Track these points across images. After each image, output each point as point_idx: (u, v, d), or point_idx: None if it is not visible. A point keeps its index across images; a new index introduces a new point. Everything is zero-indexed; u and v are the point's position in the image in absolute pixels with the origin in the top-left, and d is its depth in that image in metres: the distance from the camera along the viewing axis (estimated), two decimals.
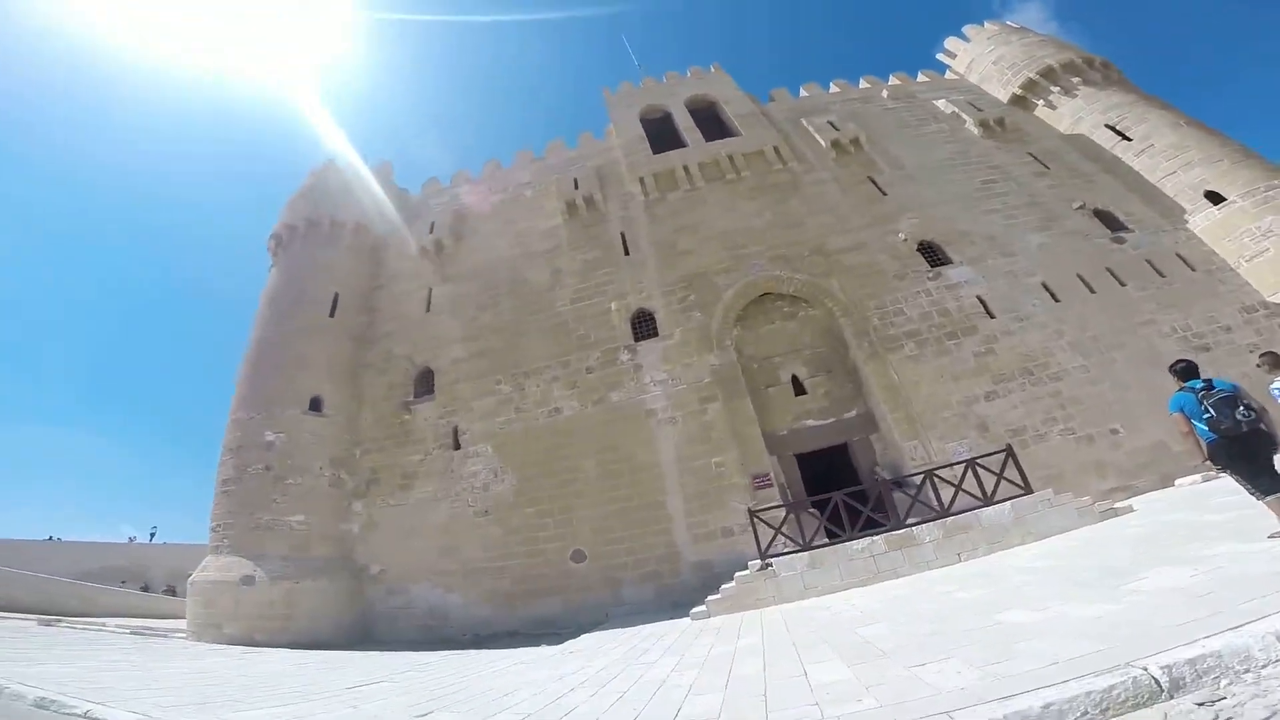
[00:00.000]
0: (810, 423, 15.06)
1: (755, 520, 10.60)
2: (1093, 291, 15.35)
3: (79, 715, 5.34)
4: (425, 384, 17.38)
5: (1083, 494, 10.73)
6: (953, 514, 9.88)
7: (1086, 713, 2.62)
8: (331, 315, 18.26)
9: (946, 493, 10.25)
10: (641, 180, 19.97)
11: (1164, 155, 18.00)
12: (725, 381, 15.05)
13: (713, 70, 24.47)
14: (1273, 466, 4.89)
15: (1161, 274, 15.65)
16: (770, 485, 13.43)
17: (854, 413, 14.97)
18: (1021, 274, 15.85)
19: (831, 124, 20.74)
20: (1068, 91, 20.86)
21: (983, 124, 20.40)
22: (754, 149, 20.18)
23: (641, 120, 22.68)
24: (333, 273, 19.20)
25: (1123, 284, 15.43)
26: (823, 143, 20.20)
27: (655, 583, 12.80)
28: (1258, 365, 6.31)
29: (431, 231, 20.58)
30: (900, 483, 11.48)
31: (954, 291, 15.69)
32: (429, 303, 19.05)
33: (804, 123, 21.28)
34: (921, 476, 10.72)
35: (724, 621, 8.50)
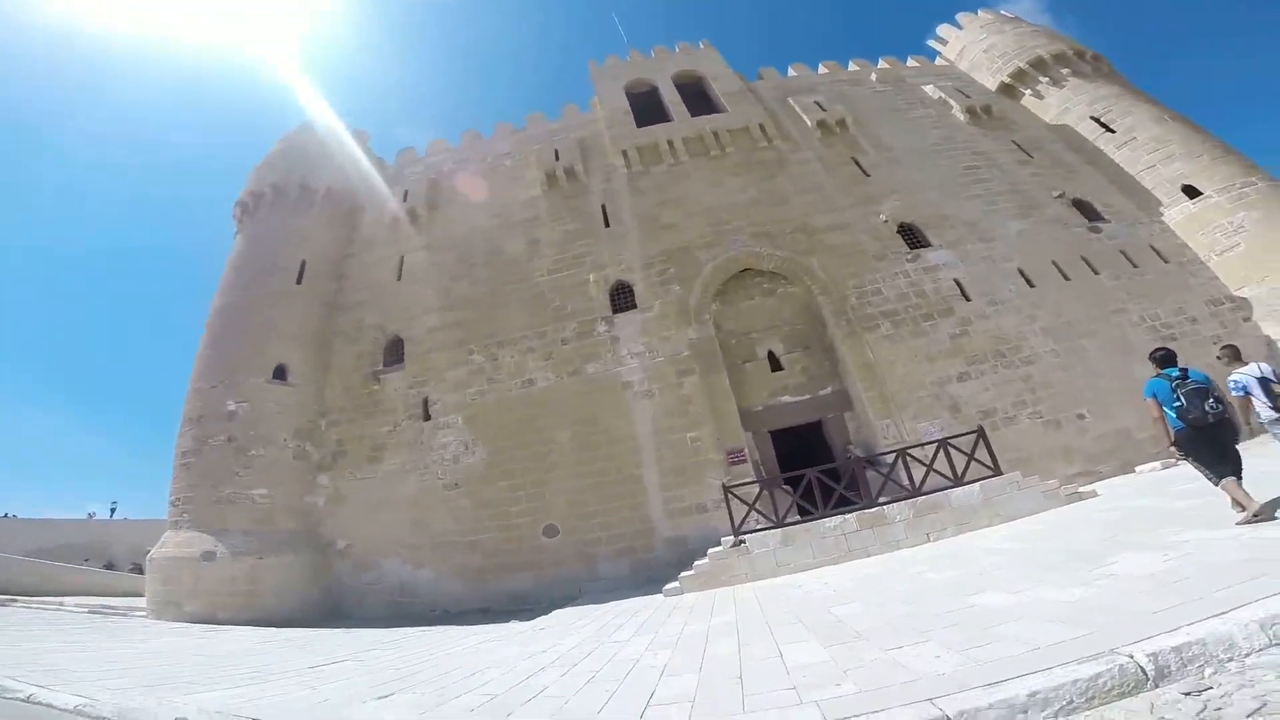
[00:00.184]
0: (786, 399, 15.06)
1: (729, 496, 10.60)
2: (1067, 279, 15.54)
3: (21, 699, 5.04)
4: (395, 353, 16.90)
5: (1049, 477, 10.90)
6: (924, 494, 9.98)
7: (1072, 701, 2.55)
8: (299, 282, 17.64)
9: (918, 472, 10.35)
10: (625, 153, 19.58)
11: (1145, 148, 18.17)
12: (703, 356, 14.93)
13: (702, 47, 23.85)
14: (1235, 455, 5.08)
15: (1135, 264, 15.91)
16: (744, 461, 13.43)
17: (829, 390, 15.00)
18: (999, 259, 15.95)
19: (819, 104, 20.45)
20: (1056, 82, 20.87)
21: (969, 111, 20.33)
22: (740, 125, 19.86)
23: (627, 94, 22.10)
24: (301, 239, 18.56)
25: (1096, 273, 15.66)
26: (809, 122, 19.96)
27: (629, 558, 12.73)
28: (1218, 357, 6.39)
29: (405, 200, 20.01)
30: (873, 461, 11.56)
31: (932, 274, 15.73)
32: (401, 271, 18.54)
33: (791, 102, 20.97)
34: (894, 455, 10.77)
35: (697, 599, 8.46)
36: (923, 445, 11.16)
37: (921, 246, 16.42)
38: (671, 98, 21.68)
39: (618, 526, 13.09)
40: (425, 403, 15.60)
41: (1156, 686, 2.56)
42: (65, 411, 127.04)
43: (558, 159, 19.87)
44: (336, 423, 15.80)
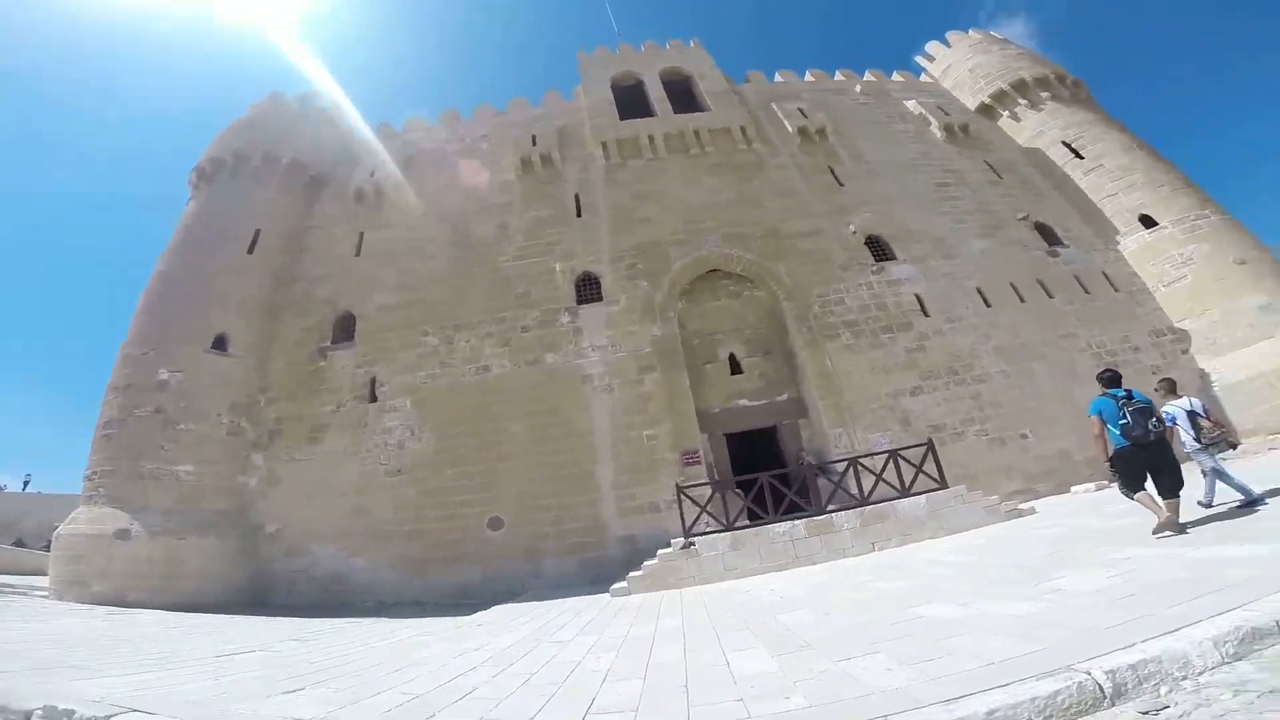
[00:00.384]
0: (743, 403, 15.04)
1: (682, 496, 10.50)
2: (1023, 301, 16.00)
3: None
4: (346, 330, 16.20)
5: (991, 493, 11.15)
6: (871, 503, 10.08)
7: (1031, 719, 2.42)
8: (250, 252, 17.02)
9: (867, 482, 10.44)
10: (604, 144, 19.37)
11: (1110, 176, 18.73)
12: (665, 353, 14.77)
13: (692, 45, 23.70)
14: (1176, 470, 5.44)
15: (1087, 291, 16.49)
16: (699, 463, 13.33)
17: (786, 396, 15.06)
18: (960, 277, 16.30)
19: (801, 111, 20.56)
20: (1034, 105, 21.27)
21: (947, 128, 20.73)
22: (722, 126, 19.82)
23: (613, 86, 21.83)
24: (258, 209, 17.99)
25: (1051, 296, 16.16)
26: (790, 128, 20.02)
27: (578, 555, 12.47)
28: (1155, 389, 6.78)
29: (374, 175, 19.45)
30: (824, 469, 11.61)
31: (894, 287, 15.96)
32: (361, 246, 17.97)
33: (774, 107, 21.01)
34: (845, 464, 10.87)
35: (644, 600, 8.30)
36: (873, 455, 11.26)
37: (887, 259, 16.64)
38: (657, 93, 21.52)
39: (568, 522, 12.79)
40: (373, 383, 14.97)
41: (1114, 705, 2.48)
42: None
43: (535, 145, 19.64)
44: (276, 399, 15.03)
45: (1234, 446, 6.21)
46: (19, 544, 24.32)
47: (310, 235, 18.53)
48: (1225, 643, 2.63)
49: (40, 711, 3.59)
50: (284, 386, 15.21)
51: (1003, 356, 14.90)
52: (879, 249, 16.94)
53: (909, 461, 10.68)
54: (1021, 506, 10.50)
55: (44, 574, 14.29)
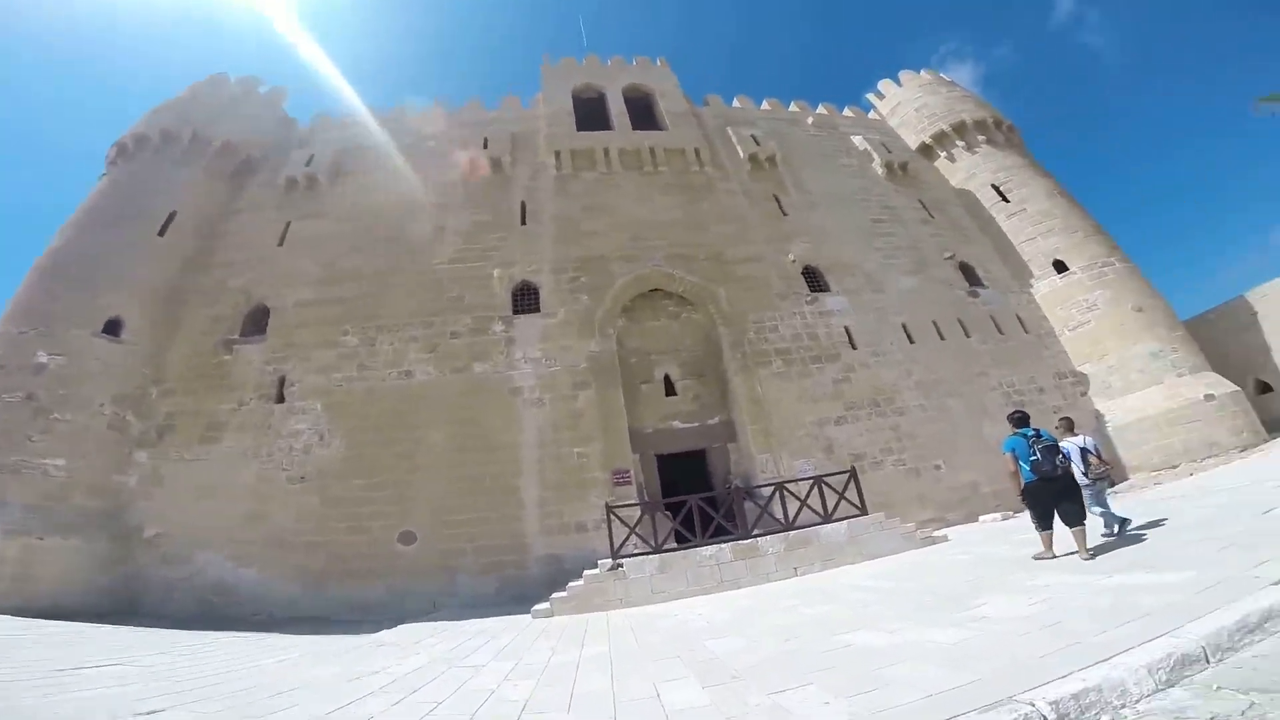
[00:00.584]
0: (676, 424, 15.04)
1: (612, 516, 10.34)
2: (943, 338, 16.73)
3: None
4: (258, 323, 15.37)
5: (907, 521, 11.53)
6: (796, 528, 10.24)
7: None
8: (161, 234, 16.09)
9: (792, 507, 10.60)
10: (558, 153, 19.24)
11: (1031, 220, 19.81)
12: (601, 370, 14.62)
13: (659, 64, 23.79)
14: (1075, 505, 6.05)
15: (1001, 331, 17.40)
16: (630, 483, 13.18)
17: (717, 420, 15.18)
18: (888, 312, 16.92)
19: (754, 138, 21.01)
20: (970, 148, 22.22)
21: (888, 165, 21.51)
22: (677, 146, 20.00)
23: (574, 97, 21.72)
24: (178, 190, 17.12)
25: (968, 335, 16.97)
26: (742, 154, 20.41)
27: (497, 573, 12.05)
28: (1055, 427, 7.34)
29: (309, 164, 18.76)
30: (750, 493, 11.65)
31: (826, 319, 16.40)
32: (285, 237, 17.20)
33: (730, 131, 21.39)
34: (772, 489, 11.01)
35: (568, 622, 8.07)
36: (799, 481, 11.40)
37: (821, 290, 17.12)
38: (618, 108, 21.56)
39: (486, 539, 12.37)
40: (281, 382, 14.23)
41: None
42: None
43: (486, 148, 19.36)
44: (171, 392, 14.05)
45: (1112, 484, 6.79)
46: None
47: (231, 221, 17.60)
48: (1159, 670, 2.66)
49: None
50: (181, 379, 14.28)
51: (922, 391, 15.50)
52: (814, 280, 17.42)
53: (833, 488, 10.92)
54: (935, 534, 10.94)
55: None
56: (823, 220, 19.14)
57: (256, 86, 21.72)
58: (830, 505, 10.73)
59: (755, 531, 10.29)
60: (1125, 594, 4.05)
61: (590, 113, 21.60)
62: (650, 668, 4.58)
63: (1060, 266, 18.57)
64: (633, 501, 12.10)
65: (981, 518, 13.28)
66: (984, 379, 16.21)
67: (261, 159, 19.36)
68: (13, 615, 9.64)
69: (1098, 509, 6.76)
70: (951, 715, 2.56)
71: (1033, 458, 6.02)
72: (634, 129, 20.68)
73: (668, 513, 11.11)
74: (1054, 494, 6.06)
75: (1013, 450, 6.29)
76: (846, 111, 25.26)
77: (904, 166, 21.81)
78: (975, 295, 18.13)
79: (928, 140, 22.83)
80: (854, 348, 15.96)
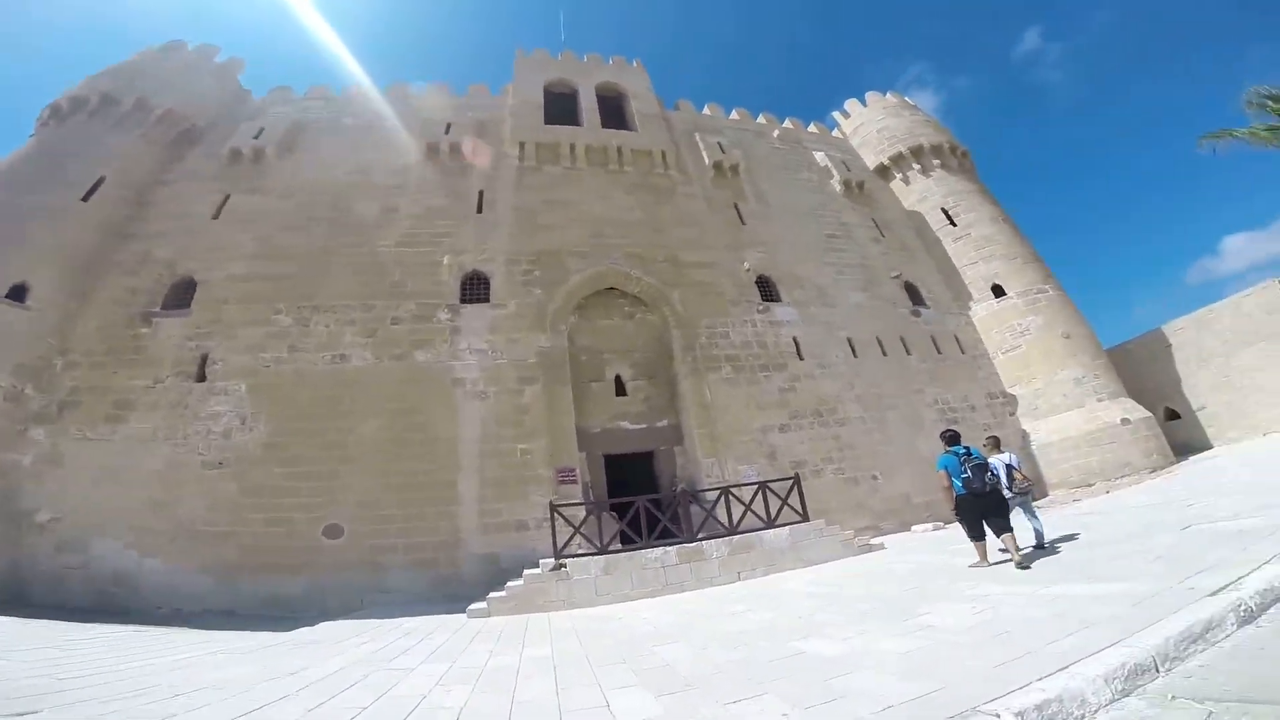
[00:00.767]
0: (625, 425, 14.87)
1: (556, 515, 10.09)
2: (885, 354, 17.29)
3: None
4: (182, 297, 14.29)
5: (845, 529, 11.77)
6: (739, 533, 10.26)
7: None
8: (85, 199, 15.01)
9: (736, 512, 10.61)
10: (522, 144, 18.88)
11: (975, 245, 20.75)
12: (551, 366, 14.28)
13: (635, 65, 23.63)
14: (1003, 518, 6.48)
15: (939, 351, 18.16)
16: (575, 482, 12.90)
17: (666, 423, 15.11)
18: (835, 326, 17.33)
19: (720, 146, 21.18)
20: (925, 171, 23.04)
21: (846, 183, 22.08)
22: (645, 147, 19.92)
23: (546, 91, 21.31)
24: (110, 155, 16.21)
25: (909, 353, 17.62)
26: (707, 160, 20.53)
27: (430, 571, 11.52)
28: (984, 445, 7.71)
29: (258, 137, 17.85)
30: (696, 497, 11.60)
31: (776, 328, 16.63)
32: (222, 209, 16.14)
33: (697, 137, 21.51)
34: (718, 493, 10.98)
35: (507, 623, 7.75)
36: (745, 485, 11.45)
37: (773, 300, 17.36)
38: (588, 105, 21.27)
39: (419, 535, 11.80)
40: (204, 360, 13.20)
41: None
42: None
43: (448, 133, 18.80)
44: (78, 365, 12.82)
45: (1034, 498, 7.56)
46: None
47: (164, 189, 16.49)
48: (1114, 680, 2.66)
49: None
50: (90, 352, 13.05)
51: (862, 404, 15.93)
52: (767, 289, 17.65)
53: (776, 494, 11.02)
54: (872, 542, 11.21)
55: None
56: (779, 232, 19.45)
57: (213, 56, 20.84)
58: (773, 511, 10.84)
59: (700, 535, 10.26)
60: (1067, 604, 4.13)
61: (560, 107, 21.25)
62: (598, 674, 4.35)
63: (998, 291, 19.55)
64: (578, 501, 11.88)
65: (914, 527, 13.74)
66: (921, 395, 16.84)
67: (207, 129, 18.38)
68: None
69: (1031, 521, 7.15)
70: None
71: (964, 475, 6.48)
72: (603, 127, 20.49)
73: (614, 513, 10.92)
74: (984, 508, 6.50)
75: (945, 467, 6.73)
76: (811, 128, 25.87)
77: (861, 185, 22.48)
78: (917, 315, 18.84)
79: (886, 161, 23.59)
80: (801, 358, 16.24)
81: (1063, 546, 6.88)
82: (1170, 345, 18.97)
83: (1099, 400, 16.74)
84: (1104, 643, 3.03)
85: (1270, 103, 11.41)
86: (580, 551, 9.89)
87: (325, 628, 8.35)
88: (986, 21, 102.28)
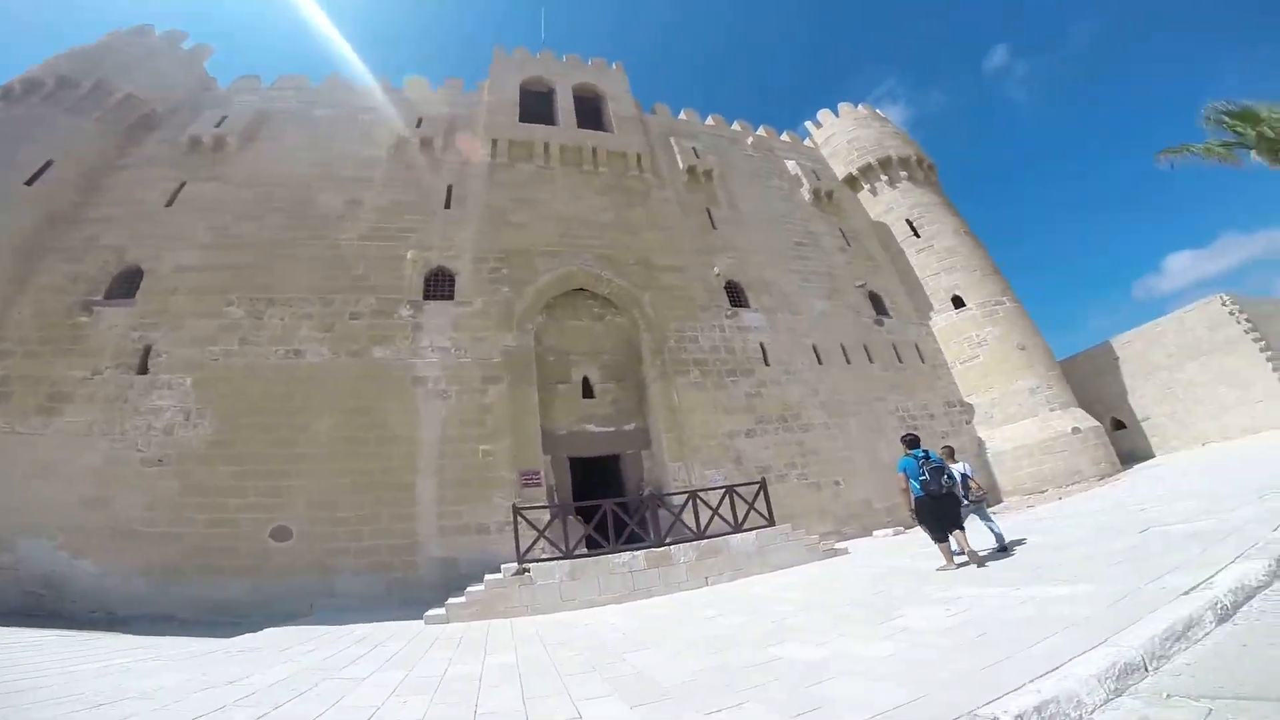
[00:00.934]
0: (591, 428, 14.67)
1: (519, 518, 9.85)
2: (848, 362, 17.58)
3: None
4: (127, 286, 13.60)
5: (810, 533, 11.84)
6: (708, 537, 10.22)
7: None
8: (29, 183, 14.38)
9: (704, 516, 10.59)
10: (495, 141, 18.56)
11: (938, 256, 21.29)
12: (516, 366, 13.97)
13: (614, 67, 23.47)
14: (957, 518, 6.73)
15: (901, 360, 18.59)
16: (539, 485, 12.64)
17: (633, 426, 14.98)
18: (800, 333, 17.54)
19: (695, 150, 21.28)
20: (892, 183, 23.48)
21: (815, 192, 22.44)
22: (620, 149, 19.82)
23: (523, 89, 21.02)
24: (61, 138, 15.68)
25: (871, 361, 17.98)
26: (681, 164, 20.57)
27: (384, 575, 11.08)
28: (940, 453, 7.84)
29: (220, 125, 17.18)
30: (663, 500, 11.50)
31: (744, 334, 16.72)
32: (175, 196, 15.44)
33: (673, 141, 21.52)
34: (686, 497, 10.95)
35: (467, 630, 7.47)
36: (712, 490, 11.42)
37: (741, 306, 17.45)
38: (565, 105, 21.01)
39: (373, 538, 11.36)
40: (147, 352, 12.49)
41: None
42: None
43: (420, 126, 18.39)
44: (10, 354, 12.04)
45: (988, 505, 7.86)
46: None
47: (117, 175, 15.74)
48: (1106, 679, 2.62)
49: None
50: (25, 340, 12.21)
51: (826, 410, 16.13)
52: (736, 295, 17.73)
53: (743, 498, 11.05)
54: (836, 546, 11.37)
55: None
56: (749, 238, 19.61)
57: (180, 41, 20.41)
58: (740, 516, 10.85)
59: (668, 539, 10.19)
60: (1041, 606, 4.13)
61: (537, 106, 21.01)
62: (567, 684, 4.14)
63: (958, 302, 20.16)
64: (542, 504, 11.68)
65: (875, 532, 13.95)
66: (882, 403, 17.17)
67: (168, 115, 17.68)
68: None
69: (988, 525, 7.41)
70: None
71: (922, 477, 6.65)
72: (579, 127, 20.31)
73: (579, 517, 10.72)
74: (939, 510, 6.69)
75: (904, 470, 6.91)
76: (784, 136, 26.19)
77: (829, 194, 22.89)
78: (880, 324, 19.25)
79: (854, 172, 24.06)
80: (767, 364, 16.36)
81: (1026, 549, 7.03)
82: (1118, 358, 19.91)
83: (1051, 410, 17.39)
84: (1089, 642, 3.01)
85: (1227, 119, 11.85)
86: (544, 556, 9.74)
87: (270, 634, 7.96)
88: (958, 37, 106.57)
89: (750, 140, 24.37)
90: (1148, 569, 4.31)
